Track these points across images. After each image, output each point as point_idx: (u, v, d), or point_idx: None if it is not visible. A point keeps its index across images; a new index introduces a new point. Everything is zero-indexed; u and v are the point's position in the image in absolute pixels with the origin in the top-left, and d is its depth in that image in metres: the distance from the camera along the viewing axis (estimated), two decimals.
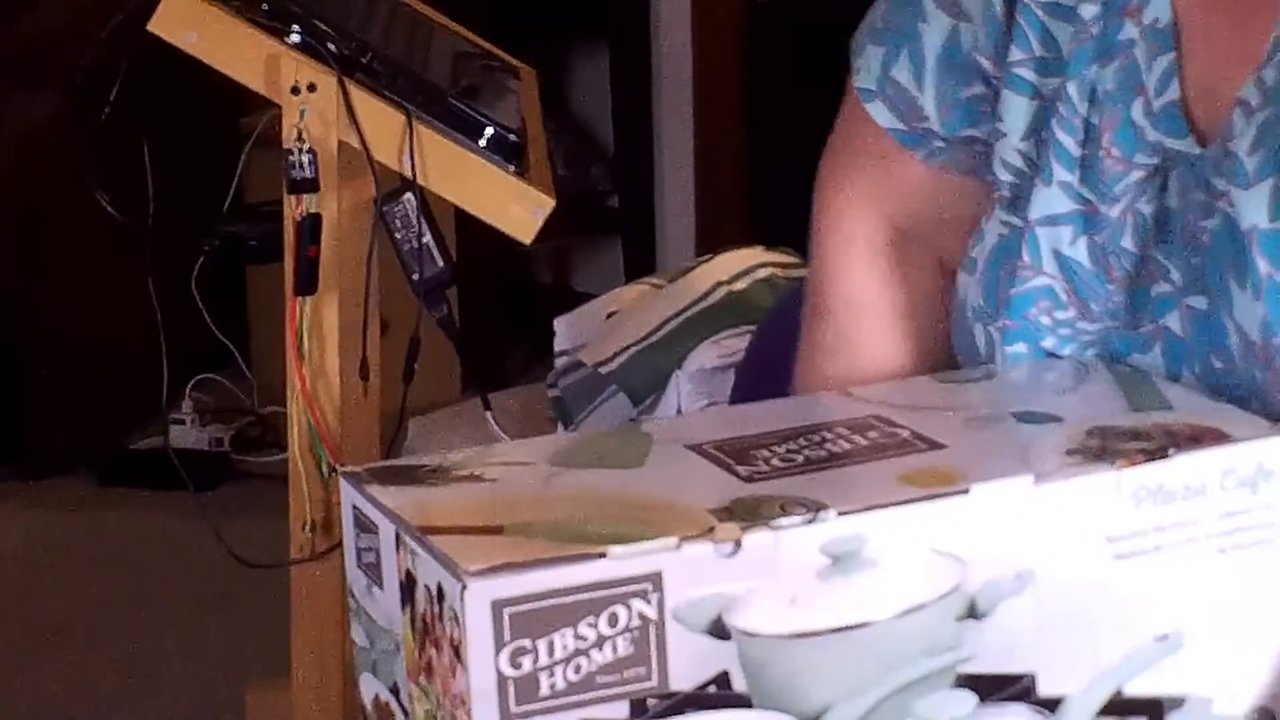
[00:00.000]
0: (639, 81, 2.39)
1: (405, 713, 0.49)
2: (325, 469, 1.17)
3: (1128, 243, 0.75)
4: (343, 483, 0.51)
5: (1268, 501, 0.54)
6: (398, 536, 0.49)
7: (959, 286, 0.75)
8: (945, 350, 0.78)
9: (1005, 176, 0.75)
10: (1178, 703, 0.56)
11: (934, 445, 0.58)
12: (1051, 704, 0.55)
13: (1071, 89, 0.74)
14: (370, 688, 0.51)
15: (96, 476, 2.24)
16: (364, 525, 0.50)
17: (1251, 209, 0.68)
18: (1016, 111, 0.76)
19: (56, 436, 2.17)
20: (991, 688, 0.54)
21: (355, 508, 0.50)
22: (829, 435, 0.61)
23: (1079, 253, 0.75)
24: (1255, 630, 0.59)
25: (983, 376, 0.72)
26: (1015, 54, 0.76)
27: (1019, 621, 0.56)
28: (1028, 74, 0.76)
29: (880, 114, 0.79)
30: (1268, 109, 0.69)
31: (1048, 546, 0.56)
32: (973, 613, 0.53)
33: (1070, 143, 0.75)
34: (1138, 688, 0.57)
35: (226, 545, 1.22)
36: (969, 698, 0.53)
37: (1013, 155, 0.76)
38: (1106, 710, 0.56)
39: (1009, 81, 0.76)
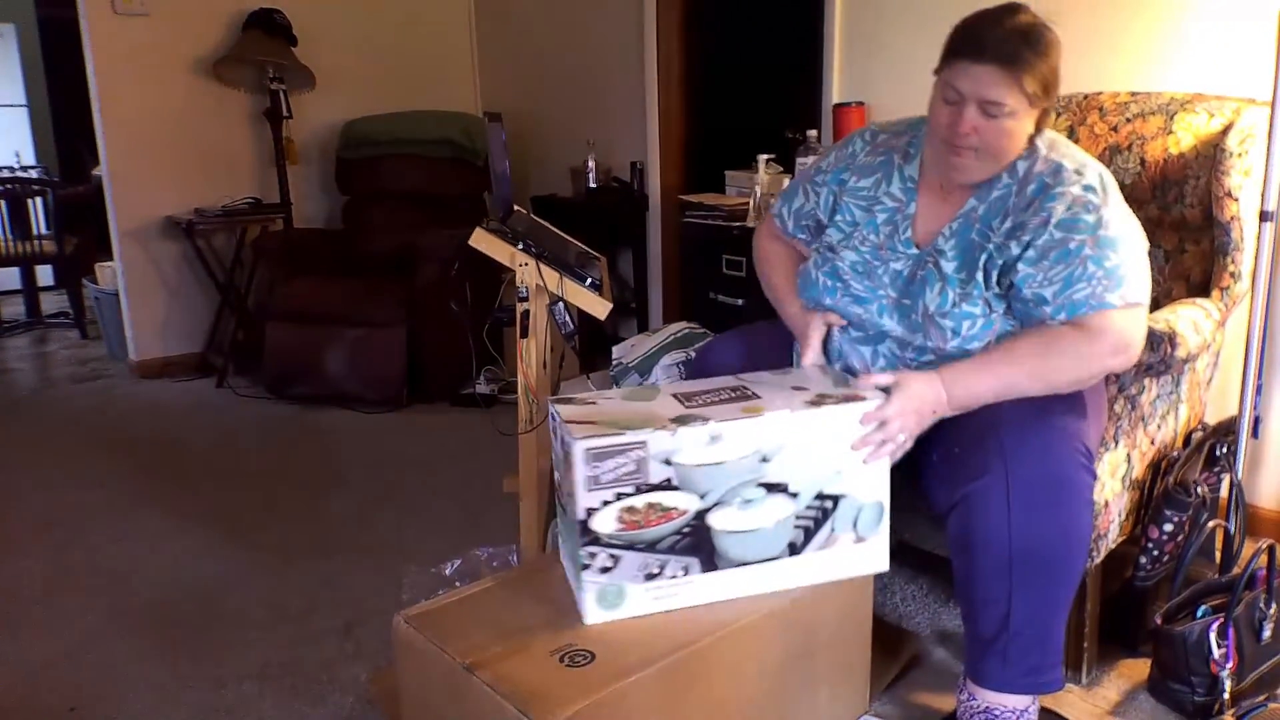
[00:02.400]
0: (640, 264, 4.05)
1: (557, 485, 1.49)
2: (546, 404, 2.00)
3: (884, 274, 1.65)
4: (549, 404, 1.47)
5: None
6: (558, 422, 1.41)
7: (803, 273, 1.76)
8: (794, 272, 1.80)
9: (826, 250, 1.74)
10: (843, 497, 1.47)
11: (757, 396, 1.46)
12: (794, 495, 1.44)
13: (863, 230, 1.70)
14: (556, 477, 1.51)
15: (449, 404, 3.82)
16: (556, 418, 1.44)
17: (948, 268, 1.58)
18: (834, 234, 1.74)
19: (434, 386, 3.58)
20: (771, 488, 1.42)
21: (551, 413, 1.47)
22: (722, 392, 1.49)
23: (857, 268, 1.69)
24: (873, 466, 1.46)
25: (789, 372, 1.62)
26: (837, 216, 1.75)
27: (781, 463, 1.40)
28: (843, 225, 1.73)
29: (779, 222, 1.86)
30: (954, 236, 1.60)
31: (794, 435, 1.41)
32: (764, 459, 1.40)
33: (864, 246, 1.70)
34: (828, 489, 1.45)
35: (497, 427, 2.25)
36: (762, 490, 1.41)
37: (828, 244, 1.75)
38: (817, 497, 1.45)
39: (832, 223, 1.75)
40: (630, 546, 1.39)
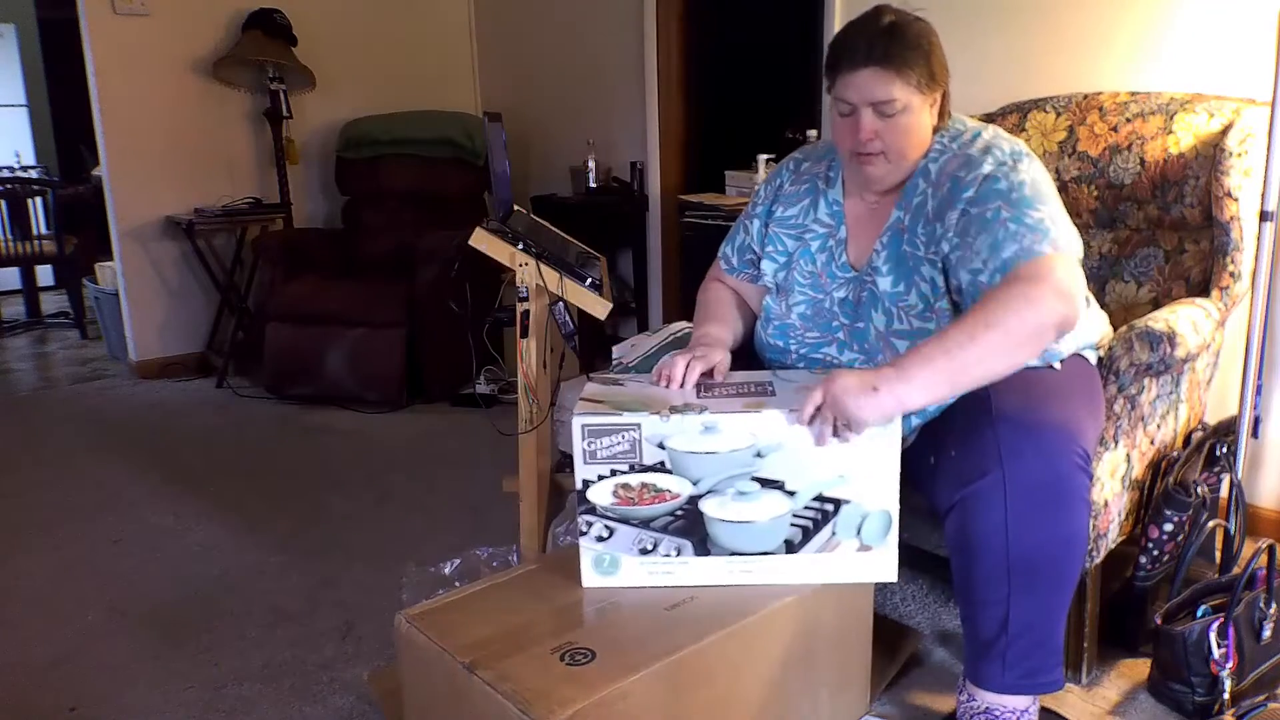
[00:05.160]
0: (640, 264, 4.03)
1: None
2: (546, 404, 2.02)
3: (831, 305, 1.67)
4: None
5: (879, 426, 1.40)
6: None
7: (760, 318, 1.76)
8: (737, 321, 1.79)
9: (770, 285, 1.76)
10: (846, 502, 1.44)
11: (772, 394, 1.48)
12: (791, 493, 1.43)
13: (798, 259, 1.74)
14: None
15: (449, 403, 3.84)
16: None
17: (884, 284, 1.59)
18: (768, 265, 1.77)
19: (434, 386, 3.58)
20: (766, 483, 1.43)
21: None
22: (742, 386, 1.54)
23: (802, 310, 1.70)
24: (880, 474, 1.42)
25: (828, 372, 1.49)
26: (768, 247, 1.76)
27: (779, 460, 1.41)
28: (777, 255, 1.78)
29: (724, 262, 1.87)
30: (885, 250, 1.59)
31: (792, 435, 1.40)
32: (759, 454, 1.41)
33: (802, 276, 1.72)
34: (829, 492, 1.43)
35: (497, 427, 2.26)
36: (757, 485, 1.42)
37: (769, 279, 1.77)
38: (816, 499, 1.43)
39: (765, 255, 1.76)
40: (625, 521, 1.46)
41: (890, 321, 1.57)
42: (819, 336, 1.68)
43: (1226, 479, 1.98)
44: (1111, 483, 1.73)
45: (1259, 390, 2.04)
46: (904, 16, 1.51)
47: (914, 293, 1.56)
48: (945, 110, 1.58)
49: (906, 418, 1.49)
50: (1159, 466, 1.88)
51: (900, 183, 1.59)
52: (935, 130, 1.57)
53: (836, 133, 1.57)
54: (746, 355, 1.83)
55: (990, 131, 1.59)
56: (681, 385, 1.55)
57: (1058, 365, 1.60)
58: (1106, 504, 1.71)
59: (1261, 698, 1.68)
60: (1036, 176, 1.52)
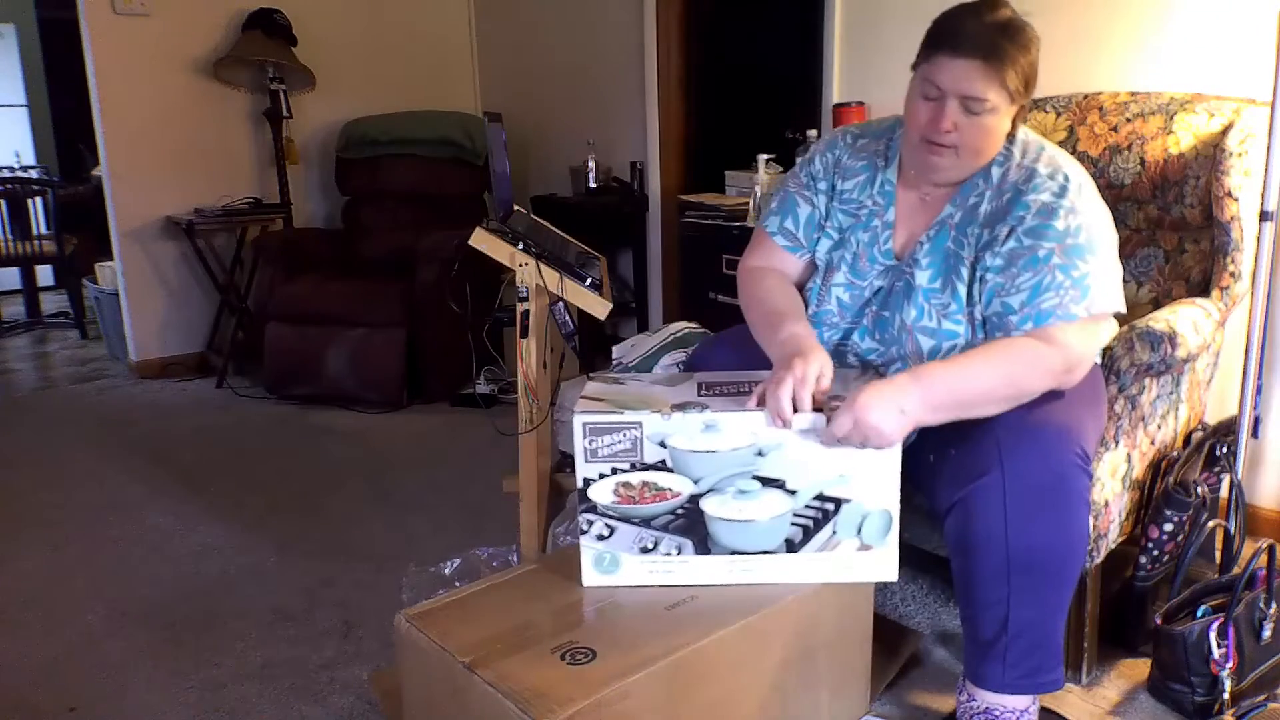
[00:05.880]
0: (640, 264, 4.03)
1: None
2: (546, 404, 2.01)
3: (869, 294, 1.62)
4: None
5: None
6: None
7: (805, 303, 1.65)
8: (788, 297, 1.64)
9: (818, 261, 1.68)
10: (847, 501, 1.43)
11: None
12: (791, 492, 1.43)
13: (850, 239, 1.66)
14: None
15: (449, 403, 3.83)
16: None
17: (922, 278, 1.56)
18: (824, 242, 1.68)
19: (434, 386, 3.58)
20: (767, 482, 1.43)
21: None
22: (747, 385, 1.48)
23: (841, 294, 1.65)
24: (881, 474, 1.41)
25: (847, 371, 1.58)
26: (828, 224, 1.67)
27: (779, 459, 1.41)
28: (833, 232, 1.68)
29: (783, 239, 1.71)
30: (929, 244, 1.56)
31: (793, 434, 1.40)
32: (760, 453, 1.41)
33: (849, 257, 1.65)
34: (830, 491, 1.43)
35: (497, 427, 2.28)
36: (758, 484, 1.43)
37: (821, 256, 1.68)
38: (817, 498, 1.43)
39: (823, 233, 1.68)
40: (626, 519, 1.45)
41: (920, 316, 1.56)
42: (849, 323, 1.65)
43: (1226, 479, 1.98)
44: (1112, 483, 1.73)
45: (1259, 390, 2.04)
46: (1018, 17, 1.45)
47: (949, 291, 1.54)
48: (1020, 122, 1.54)
49: None
50: (1159, 466, 1.87)
51: (960, 180, 1.56)
52: (1007, 137, 1.54)
53: (912, 112, 1.51)
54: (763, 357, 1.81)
55: (1053, 148, 1.57)
56: (795, 411, 1.39)
57: None
58: (1107, 504, 1.71)
59: (1261, 698, 1.68)
60: (1094, 219, 1.48)
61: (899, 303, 1.58)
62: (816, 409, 1.40)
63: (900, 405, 1.34)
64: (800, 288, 1.74)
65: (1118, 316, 1.53)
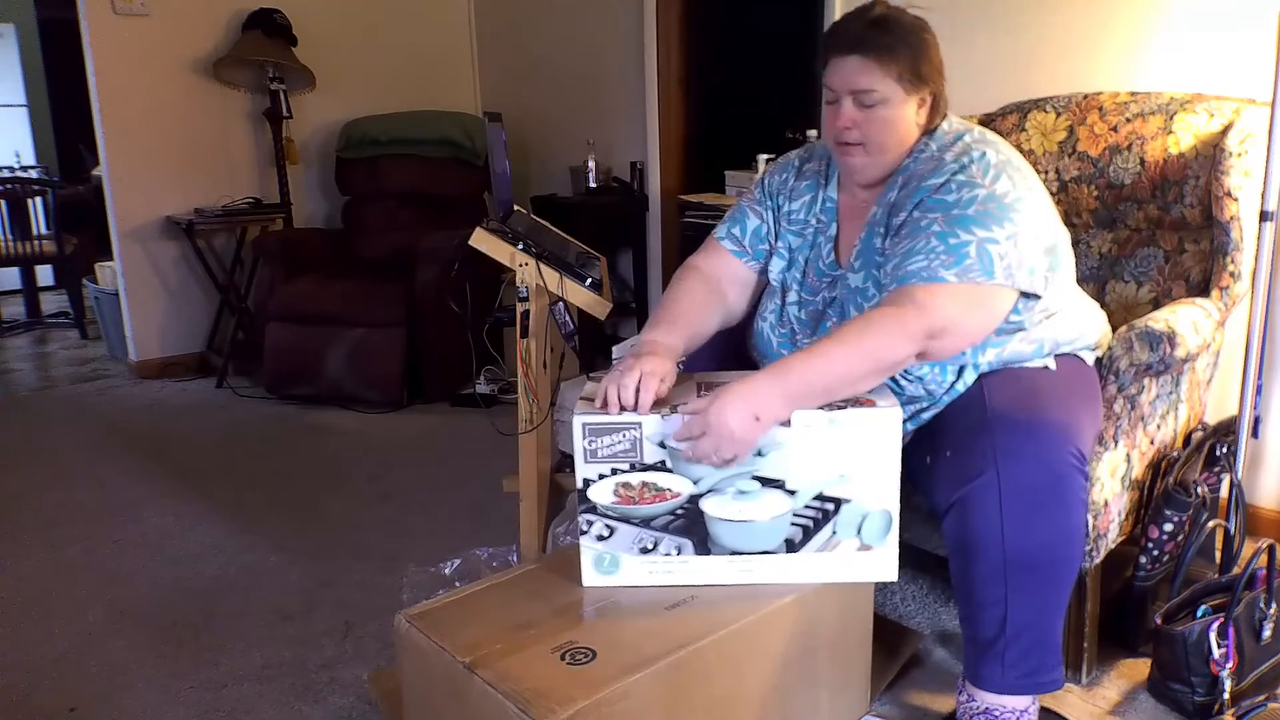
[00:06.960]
0: (640, 264, 4.03)
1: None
2: (546, 404, 2.00)
3: (822, 306, 1.64)
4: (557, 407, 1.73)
5: (880, 426, 1.38)
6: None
7: (756, 320, 1.72)
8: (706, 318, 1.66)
9: (773, 281, 1.72)
10: (847, 501, 1.43)
11: None
12: (791, 492, 1.42)
13: (799, 258, 1.70)
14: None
15: (449, 403, 3.84)
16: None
17: (855, 281, 1.57)
18: (776, 263, 1.71)
19: (434, 386, 3.60)
20: (766, 482, 1.42)
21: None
22: (721, 386, 1.42)
23: (796, 311, 1.68)
24: (880, 474, 1.41)
25: None
26: (779, 243, 1.72)
27: (779, 459, 1.40)
28: (784, 252, 1.72)
29: (729, 244, 1.75)
30: (861, 246, 1.57)
31: (792, 434, 1.38)
32: (760, 453, 1.40)
33: (798, 275, 1.71)
34: (830, 491, 1.42)
35: (497, 427, 2.24)
36: (757, 484, 1.42)
37: (775, 277, 1.72)
38: (816, 498, 1.42)
39: (776, 252, 1.71)
40: (626, 520, 1.44)
41: None
42: (808, 337, 1.67)
43: (1226, 479, 1.97)
44: (1111, 483, 1.73)
45: (1259, 390, 2.04)
46: (898, 11, 1.50)
47: (874, 287, 1.54)
48: (940, 112, 1.55)
49: (903, 421, 1.46)
50: (1159, 466, 1.87)
51: (883, 178, 1.58)
52: (927, 131, 1.55)
53: (824, 121, 1.56)
54: (742, 358, 1.82)
55: (975, 135, 1.54)
56: (634, 408, 1.42)
57: (1052, 365, 1.59)
58: (1106, 504, 1.70)
59: (1261, 698, 1.68)
60: (1000, 196, 1.42)
61: (844, 309, 1.59)
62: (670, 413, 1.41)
63: (754, 409, 1.33)
64: (756, 298, 1.78)
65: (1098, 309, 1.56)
